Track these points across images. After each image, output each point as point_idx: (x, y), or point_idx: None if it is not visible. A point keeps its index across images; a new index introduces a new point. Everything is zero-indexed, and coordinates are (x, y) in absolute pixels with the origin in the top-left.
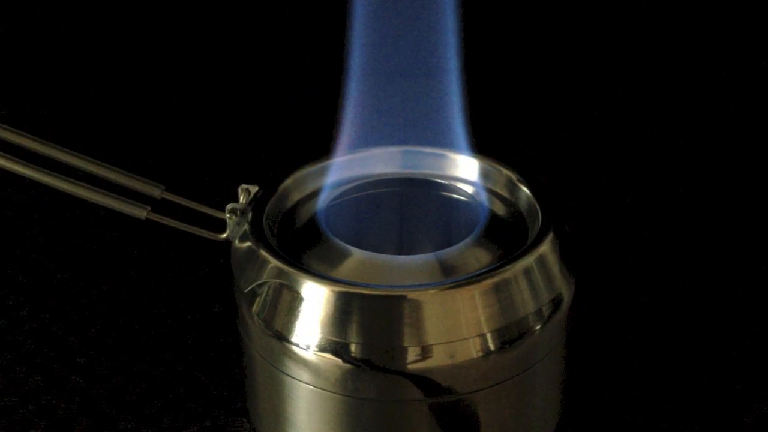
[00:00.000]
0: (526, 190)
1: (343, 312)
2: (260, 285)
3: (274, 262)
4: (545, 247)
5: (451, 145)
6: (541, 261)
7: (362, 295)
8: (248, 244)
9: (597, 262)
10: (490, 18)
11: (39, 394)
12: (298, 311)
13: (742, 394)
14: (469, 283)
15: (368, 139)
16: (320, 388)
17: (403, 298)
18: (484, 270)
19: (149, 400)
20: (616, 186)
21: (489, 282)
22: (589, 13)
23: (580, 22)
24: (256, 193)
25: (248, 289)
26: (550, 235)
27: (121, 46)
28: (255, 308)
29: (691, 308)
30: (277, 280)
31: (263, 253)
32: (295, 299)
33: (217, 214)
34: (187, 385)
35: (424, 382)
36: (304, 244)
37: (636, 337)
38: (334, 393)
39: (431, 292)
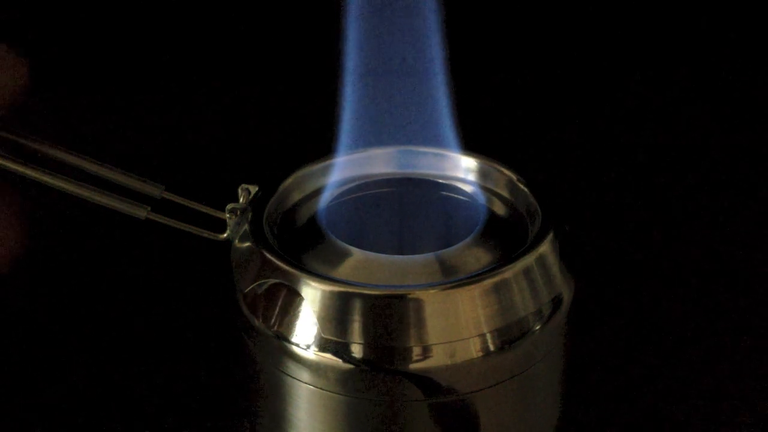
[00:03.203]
0: (526, 190)
1: (343, 312)
2: (260, 285)
3: (274, 262)
4: (545, 247)
5: (447, 146)
6: (541, 261)
7: (362, 294)
8: (248, 244)
9: (597, 262)
10: (490, 18)
11: (39, 394)
12: (298, 311)
13: (742, 393)
14: (469, 283)
15: (367, 139)
16: (320, 388)
17: (403, 297)
18: (484, 270)
19: (149, 400)
20: (616, 186)
21: (489, 282)
22: (589, 10)
23: (580, 20)
24: (256, 193)
25: (248, 289)
26: (550, 235)
27: (121, 45)
28: (255, 308)
29: (692, 308)
30: (277, 280)
31: (263, 253)
32: (295, 299)
33: (218, 214)
34: (187, 385)
35: (424, 382)
36: (304, 244)
37: (636, 337)
38: (335, 393)
39: (431, 292)
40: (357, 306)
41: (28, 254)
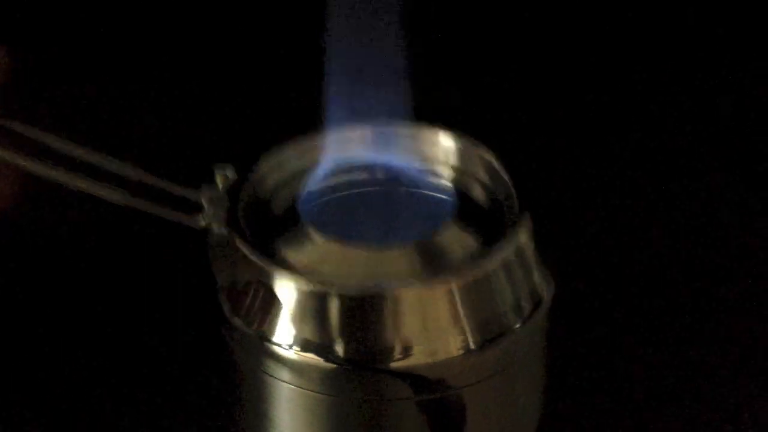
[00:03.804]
0: (505, 177)
1: (321, 311)
2: (239, 283)
3: (252, 260)
4: (522, 239)
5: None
6: (519, 252)
7: (340, 293)
8: (224, 236)
9: (595, 262)
10: (490, 17)
11: (38, 395)
12: (278, 310)
13: (743, 395)
14: (446, 281)
15: (346, 119)
16: (303, 388)
17: (381, 296)
18: (461, 265)
19: (149, 400)
20: (614, 186)
21: (467, 278)
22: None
23: (580, 20)
24: (231, 179)
25: (227, 286)
26: (527, 226)
27: (116, 41)
28: (235, 306)
29: (691, 308)
30: (257, 278)
31: (239, 248)
32: (275, 298)
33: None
34: (187, 385)
35: (406, 380)
36: (281, 237)
37: (634, 337)
38: (317, 393)
39: (410, 289)
40: (334, 305)
41: (23, 253)
